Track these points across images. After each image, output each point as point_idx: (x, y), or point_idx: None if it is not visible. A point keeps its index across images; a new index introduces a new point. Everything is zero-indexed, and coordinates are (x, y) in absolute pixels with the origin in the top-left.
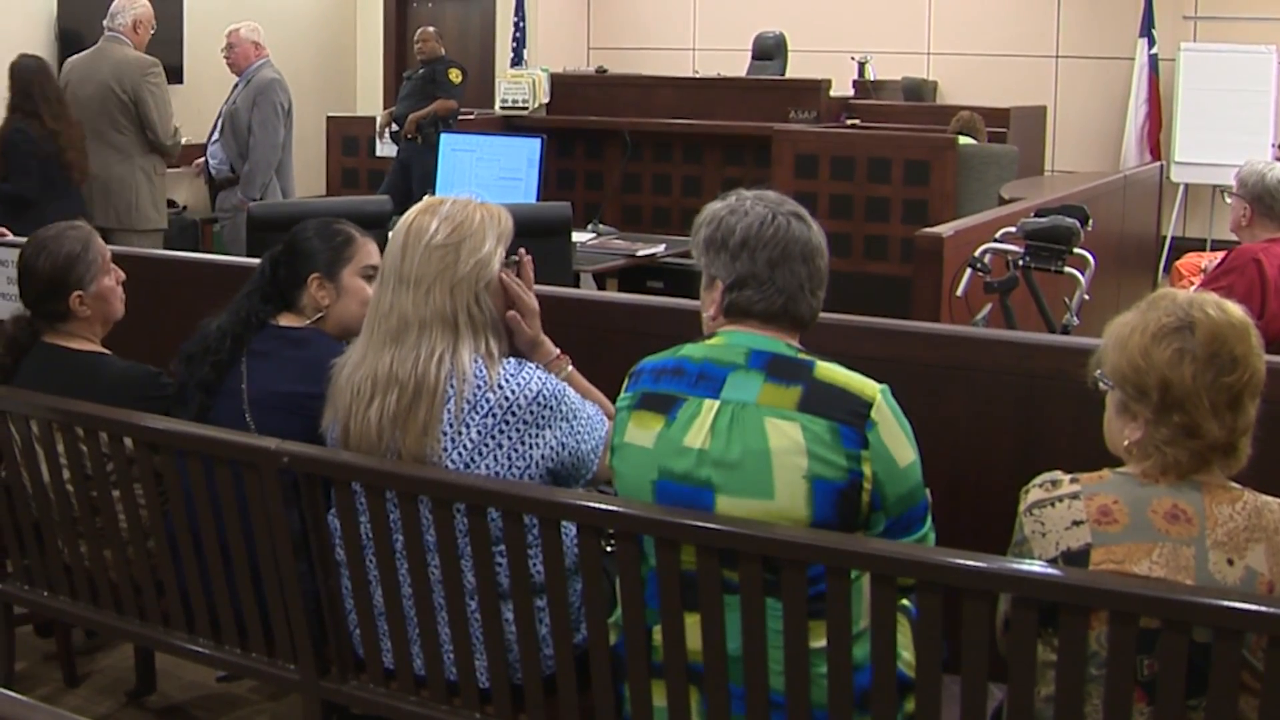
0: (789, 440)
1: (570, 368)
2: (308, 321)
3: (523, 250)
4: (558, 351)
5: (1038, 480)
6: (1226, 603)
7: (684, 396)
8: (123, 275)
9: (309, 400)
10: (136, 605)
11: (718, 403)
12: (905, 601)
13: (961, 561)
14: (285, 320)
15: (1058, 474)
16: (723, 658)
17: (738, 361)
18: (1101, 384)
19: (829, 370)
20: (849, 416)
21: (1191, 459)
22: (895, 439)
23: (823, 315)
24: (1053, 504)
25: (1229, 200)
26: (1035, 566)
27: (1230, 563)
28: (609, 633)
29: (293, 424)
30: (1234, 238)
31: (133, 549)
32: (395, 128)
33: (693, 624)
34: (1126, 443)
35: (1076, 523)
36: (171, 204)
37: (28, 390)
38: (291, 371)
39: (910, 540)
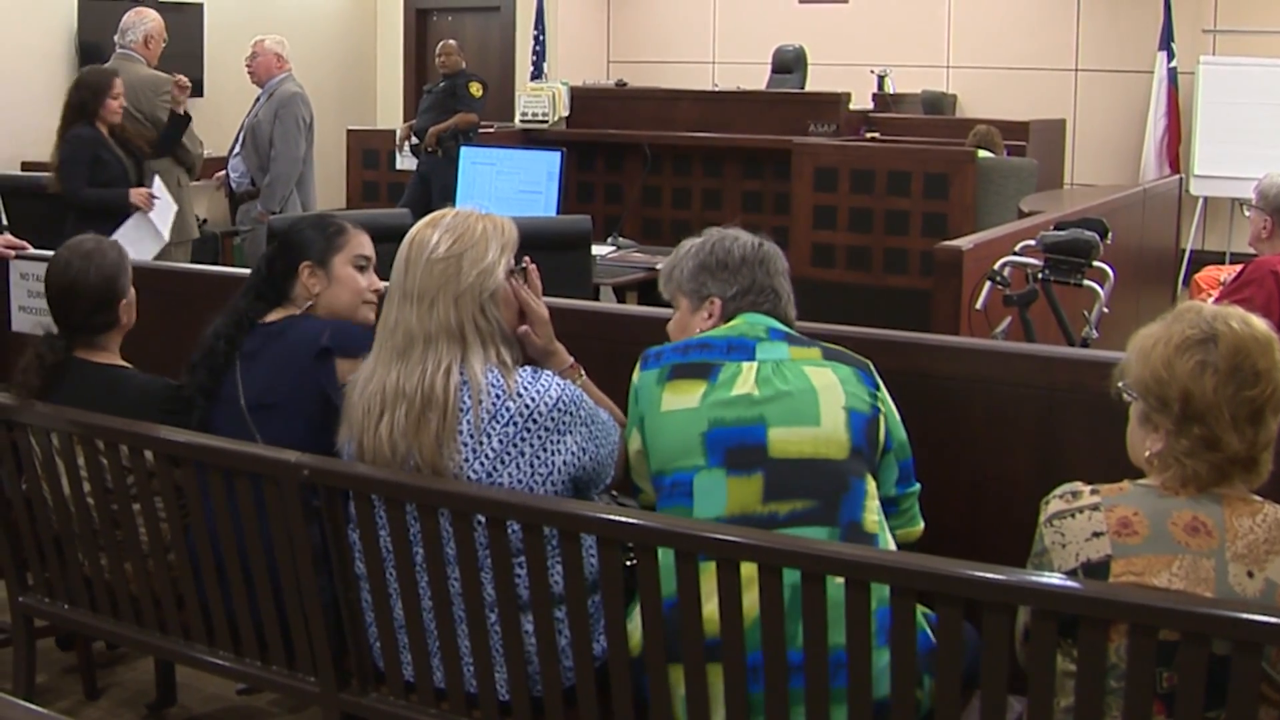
0: (827, 379)
1: (584, 377)
2: (298, 313)
3: (528, 259)
4: (571, 360)
5: (1058, 491)
6: (1246, 615)
7: (720, 362)
8: None
9: (297, 379)
10: (157, 618)
11: (755, 363)
12: (924, 610)
13: (981, 574)
14: (274, 315)
15: (1078, 485)
16: (740, 634)
17: (760, 335)
18: (1125, 395)
19: (829, 343)
20: (861, 364)
21: (1211, 471)
22: (887, 395)
23: (843, 328)
24: (1073, 515)
25: (1249, 214)
26: (1055, 579)
27: (1250, 575)
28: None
29: (292, 421)
30: (1254, 251)
31: (153, 561)
32: (415, 141)
33: (711, 613)
34: (1148, 454)
35: (1096, 534)
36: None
37: (47, 403)
38: (277, 365)
39: (912, 491)
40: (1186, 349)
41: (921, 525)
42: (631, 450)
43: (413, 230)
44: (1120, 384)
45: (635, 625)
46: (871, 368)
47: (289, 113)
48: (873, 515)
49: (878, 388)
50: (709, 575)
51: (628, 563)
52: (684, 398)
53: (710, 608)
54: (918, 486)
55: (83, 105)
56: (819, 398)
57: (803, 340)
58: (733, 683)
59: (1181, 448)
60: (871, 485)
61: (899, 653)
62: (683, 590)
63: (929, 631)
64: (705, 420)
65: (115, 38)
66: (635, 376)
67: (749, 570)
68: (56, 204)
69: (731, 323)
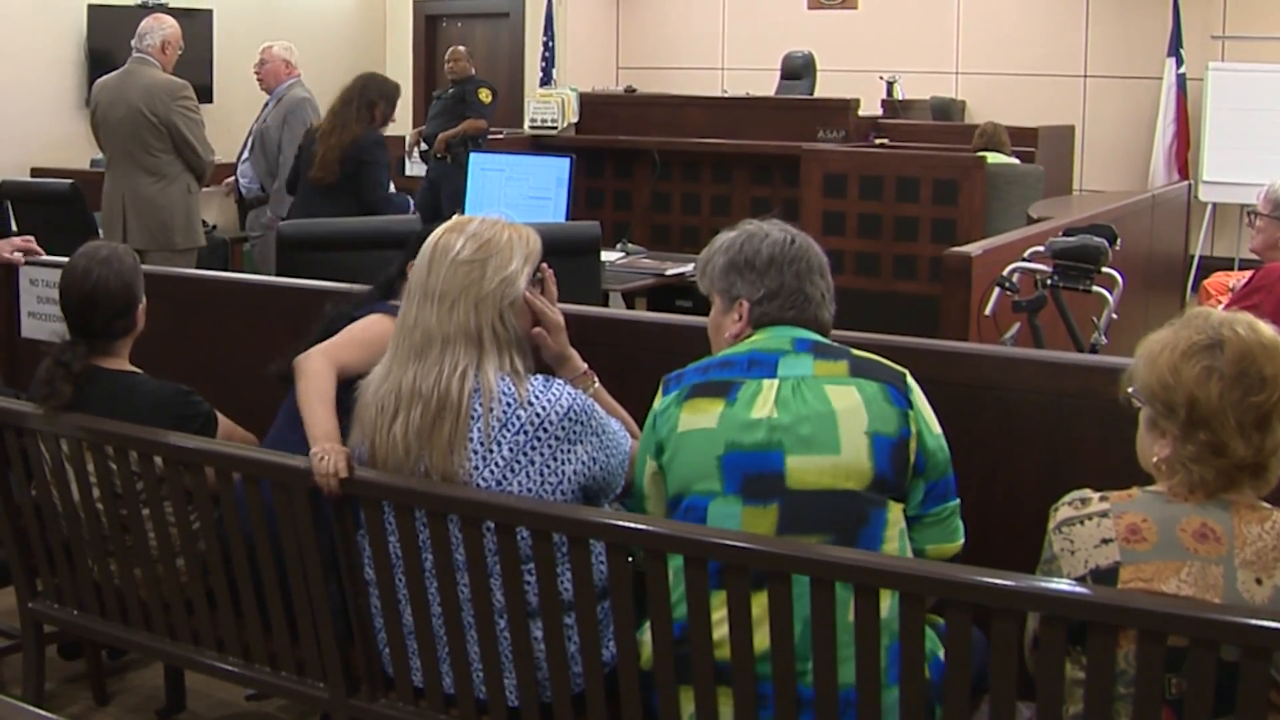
0: (850, 401)
1: (597, 384)
2: None
3: (545, 265)
4: (585, 367)
5: (1067, 498)
6: (1254, 621)
7: (740, 380)
8: None
9: None
10: (166, 623)
11: (776, 380)
12: (934, 619)
13: (990, 580)
14: None
15: (1087, 492)
16: (751, 657)
17: (785, 348)
18: (1133, 400)
19: (861, 352)
20: (893, 379)
21: (1218, 477)
22: (926, 408)
23: (852, 334)
24: (1082, 522)
25: (1258, 223)
26: (1064, 585)
27: (1259, 582)
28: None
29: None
30: (1259, 257)
31: (162, 567)
32: (425, 147)
33: (722, 638)
34: (1155, 459)
35: (1105, 541)
36: (202, 223)
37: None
38: None
39: (945, 508)
40: (1193, 355)
41: (959, 542)
42: (645, 475)
43: (437, 233)
44: (1129, 389)
45: (646, 638)
46: (906, 379)
47: (298, 118)
48: (892, 545)
49: (910, 405)
50: (720, 603)
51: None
52: (701, 417)
53: (721, 633)
54: (955, 502)
55: (372, 107)
56: (839, 422)
57: (831, 352)
58: (742, 698)
59: (1188, 453)
60: (894, 513)
61: (908, 665)
62: (691, 598)
63: (941, 656)
64: (722, 442)
65: (132, 42)
66: (656, 403)
67: (760, 606)
68: (70, 210)
69: (754, 337)
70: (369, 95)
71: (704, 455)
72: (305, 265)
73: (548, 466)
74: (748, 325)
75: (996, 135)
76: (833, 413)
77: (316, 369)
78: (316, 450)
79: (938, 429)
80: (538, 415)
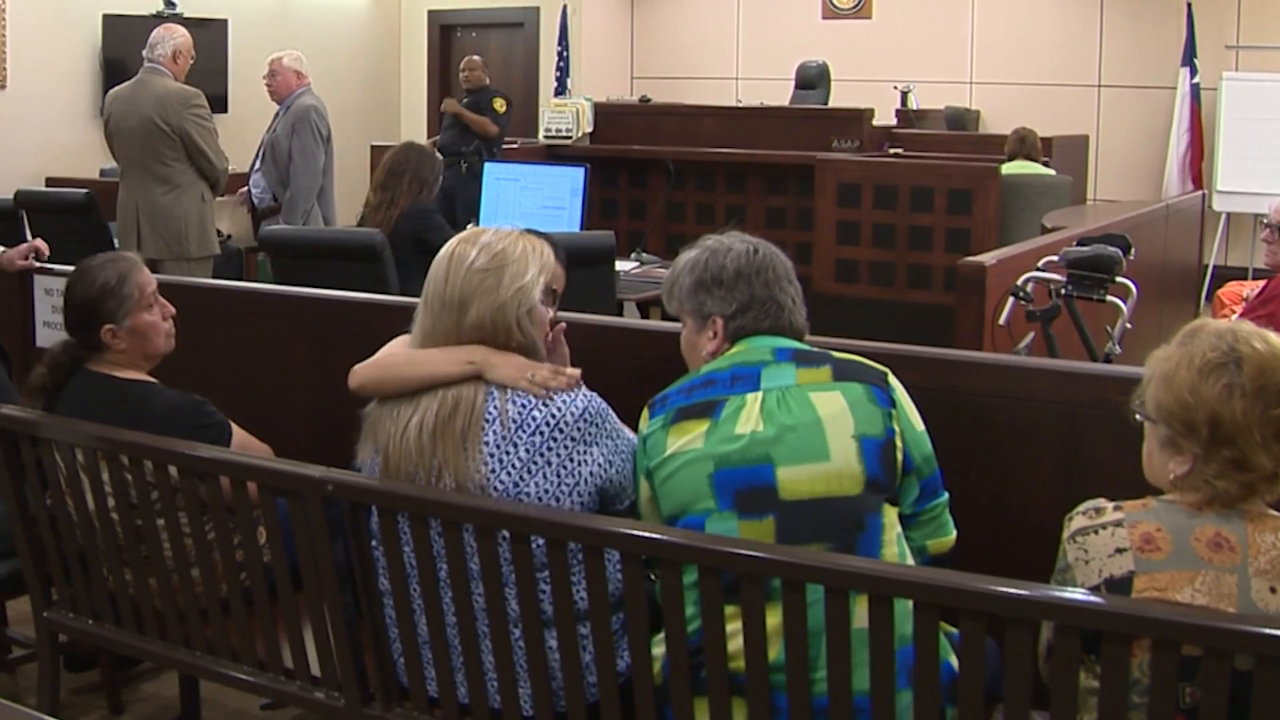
0: (835, 406)
1: None
2: None
3: (562, 325)
4: None
5: (1081, 508)
6: (1269, 630)
7: (724, 398)
8: (172, 310)
9: None
10: (181, 633)
11: (760, 393)
12: (946, 628)
13: (1004, 589)
14: None
15: (1101, 501)
16: (765, 667)
17: (766, 358)
18: (1140, 416)
19: (843, 354)
20: (875, 379)
21: (1241, 489)
22: (909, 406)
23: (865, 344)
24: (1096, 531)
25: (1275, 234)
26: (1078, 594)
27: (1273, 591)
28: (653, 661)
29: None
30: (1269, 267)
31: (177, 577)
32: (439, 158)
33: (735, 631)
34: (1172, 476)
35: (1120, 550)
36: (217, 232)
37: (73, 418)
38: None
39: (938, 503)
40: (1210, 372)
41: (953, 534)
42: (642, 499)
43: (450, 244)
44: (1136, 404)
45: (659, 650)
46: (888, 379)
47: (306, 125)
48: (891, 548)
49: (894, 404)
50: (734, 613)
51: (650, 576)
52: (688, 439)
53: (735, 645)
54: (945, 497)
55: (423, 184)
56: (825, 429)
57: (812, 358)
58: (756, 709)
59: (1212, 471)
60: (890, 516)
61: (922, 673)
62: (705, 608)
63: (952, 661)
64: (711, 461)
65: (144, 52)
66: (643, 426)
67: (773, 615)
68: (85, 219)
69: (733, 350)
70: (423, 173)
71: (695, 477)
72: (294, 271)
73: (564, 467)
74: (724, 341)
75: (1031, 141)
76: (818, 420)
77: (370, 362)
78: (517, 371)
79: (920, 426)
80: (554, 416)
